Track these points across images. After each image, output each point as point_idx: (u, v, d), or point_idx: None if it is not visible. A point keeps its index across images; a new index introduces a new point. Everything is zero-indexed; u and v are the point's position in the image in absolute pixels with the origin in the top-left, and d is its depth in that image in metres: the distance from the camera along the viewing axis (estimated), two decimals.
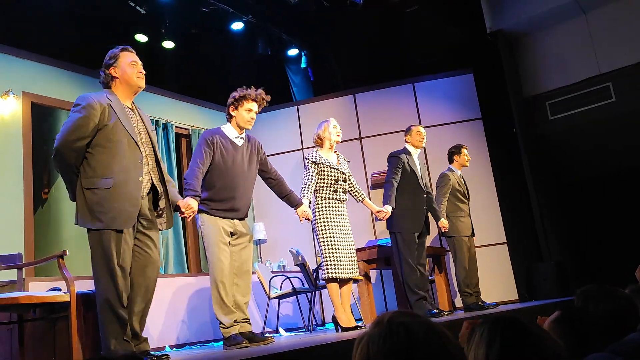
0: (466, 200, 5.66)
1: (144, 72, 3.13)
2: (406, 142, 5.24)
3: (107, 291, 2.83)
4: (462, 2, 7.47)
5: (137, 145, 3.00)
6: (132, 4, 6.06)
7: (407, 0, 7.39)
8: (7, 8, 5.55)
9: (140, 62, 3.13)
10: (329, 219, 4.21)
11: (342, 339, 2.95)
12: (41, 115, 6.20)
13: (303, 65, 7.97)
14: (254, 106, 3.83)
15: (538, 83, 7.26)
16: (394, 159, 5.04)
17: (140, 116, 3.16)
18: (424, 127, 7.15)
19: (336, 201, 4.28)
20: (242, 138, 3.89)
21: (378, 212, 4.65)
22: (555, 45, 7.18)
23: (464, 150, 5.77)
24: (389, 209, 4.70)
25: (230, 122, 3.90)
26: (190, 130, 7.03)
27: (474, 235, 5.67)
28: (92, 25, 6.08)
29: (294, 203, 4.09)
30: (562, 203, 6.96)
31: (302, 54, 7.91)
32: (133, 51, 3.15)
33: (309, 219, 4.12)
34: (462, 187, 5.65)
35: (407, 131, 5.27)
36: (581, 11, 6.92)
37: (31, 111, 5.51)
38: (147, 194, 3.05)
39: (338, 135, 4.49)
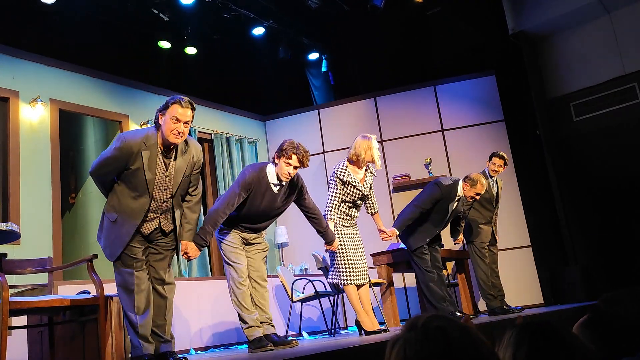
0: (492, 208, 5.56)
1: (182, 132, 3.09)
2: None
3: (122, 300, 3.16)
4: (483, 4, 7.42)
5: (149, 194, 3.11)
6: (156, 12, 6.16)
7: (428, 3, 7.37)
8: (34, 18, 5.68)
9: (183, 121, 3.07)
10: (343, 231, 4.28)
11: (366, 343, 2.95)
12: (68, 122, 6.33)
13: (324, 69, 8.01)
14: (294, 161, 3.67)
15: (561, 84, 7.18)
16: (436, 190, 4.82)
17: (175, 161, 3.16)
18: (446, 130, 7.20)
19: (348, 217, 4.33)
20: (281, 186, 3.77)
21: (381, 232, 4.60)
22: (578, 46, 7.09)
23: (495, 159, 5.56)
24: (394, 232, 4.67)
25: (275, 166, 3.77)
26: (212, 135, 7.10)
27: (495, 244, 5.58)
28: (117, 33, 6.20)
29: (329, 239, 4.11)
30: (587, 206, 6.86)
31: (323, 57, 7.95)
32: (187, 105, 3.10)
33: (335, 251, 4.20)
34: (490, 192, 5.53)
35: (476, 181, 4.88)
36: (605, 11, 6.83)
37: (59, 118, 5.63)
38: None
39: (379, 157, 4.34)
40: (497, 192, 5.61)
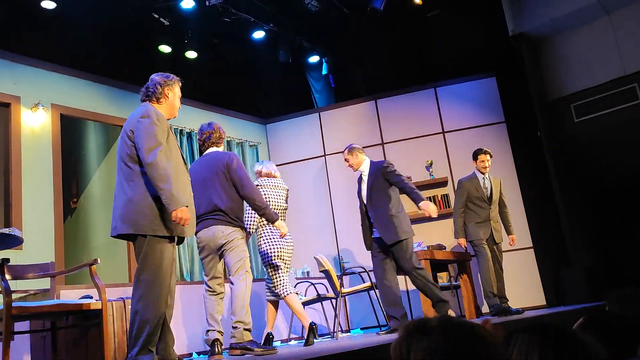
0: (486, 205, 5.52)
1: None
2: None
3: (155, 297, 2.89)
4: (483, 6, 7.43)
5: (185, 164, 3.22)
6: (156, 16, 6.18)
7: (428, 5, 7.39)
8: (35, 23, 5.70)
9: None
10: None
11: (369, 345, 2.95)
12: (70, 127, 6.34)
13: (324, 72, 8.02)
14: None
15: (562, 85, 7.19)
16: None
17: None
18: (447, 132, 7.22)
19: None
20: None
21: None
22: (578, 47, 7.10)
23: (480, 157, 5.60)
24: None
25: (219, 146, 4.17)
26: None
27: (496, 242, 5.51)
28: (118, 37, 6.22)
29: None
30: (589, 207, 6.86)
31: (323, 60, 7.96)
32: None
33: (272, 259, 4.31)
34: (480, 191, 5.53)
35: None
36: (604, 12, 6.84)
37: (60, 123, 5.64)
38: None
39: None
40: (491, 190, 5.57)
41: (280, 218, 4.23)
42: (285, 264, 4.35)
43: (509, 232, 5.65)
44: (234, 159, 3.87)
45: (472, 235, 5.47)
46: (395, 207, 4.72)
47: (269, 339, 4.19)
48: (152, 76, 3.31)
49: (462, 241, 5.51)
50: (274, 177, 4.65)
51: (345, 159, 4.96)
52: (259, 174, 4.68)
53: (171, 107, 3.26)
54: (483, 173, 5.61)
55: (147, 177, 2.92)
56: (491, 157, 5.67)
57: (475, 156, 5.67)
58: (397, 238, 4.56)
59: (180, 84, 3.35)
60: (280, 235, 4.05)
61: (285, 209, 4.61)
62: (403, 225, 4.63)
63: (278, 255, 4.32)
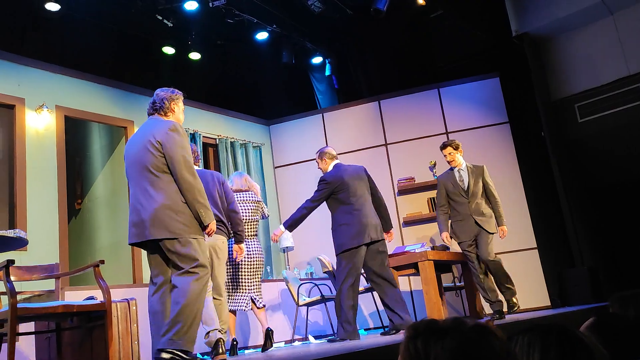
0: (464, 199, 5.19)
1: None
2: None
3: (202, 296, 3.12)
4: (487, 6, 7.43)
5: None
6: (160, 18, 6.19)
7: (432, 6, 7.38)
8: (39, 24, 5.72)
9: None
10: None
11: (375, 346, 2.95)
12: (74, 128, 6.36)
13: (327, 73, 8.03)
14: None
15: (566, 86, 7.17)
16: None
17: None
18: (450, 133, 7.21)
19: None
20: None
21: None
22: (582, 47, 7.08)
23: (443, 152, 5.36)
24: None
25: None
26: (217, 139, 7.12)
27: (483, 236, 5.10)
28: (121, 39, 6.24)
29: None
30: (593, 207, 6.84)
31: (327, 61, 7.97)
32: None
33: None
34: (456, 186, 5.23)
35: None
36: (608, 12, 6.82)
37: (64, 124, 5.66)
38: None
39: None
40: (469, 182, 5.22)
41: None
42: (248, 277, 4.61)
43: (499, 224, 5.27)
44: (223, 178, 4.27)
45: (457, 237, 5.26)
46: (336, 220, 4.69)
47: (234, 345, 4.43)
48: (157, 91, 3.44)
49: (445, 235, 5.29)
50: (245, 191, 4.82)
51: (316, 162, 4.95)
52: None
53: (177, 121, 3.41)
54: (454, 167, 5.32)
55: (175, 185, 3.14)
56: (456, 148, 5.31)
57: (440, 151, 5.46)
58: (335, 252, 4.67)
59: (183, 98, 3.51)
60: (237, 258, 4.29)
61: (257, 222, 4.83)
62: (337, 240, 4.64)
63: (242, 269, 4.63)
